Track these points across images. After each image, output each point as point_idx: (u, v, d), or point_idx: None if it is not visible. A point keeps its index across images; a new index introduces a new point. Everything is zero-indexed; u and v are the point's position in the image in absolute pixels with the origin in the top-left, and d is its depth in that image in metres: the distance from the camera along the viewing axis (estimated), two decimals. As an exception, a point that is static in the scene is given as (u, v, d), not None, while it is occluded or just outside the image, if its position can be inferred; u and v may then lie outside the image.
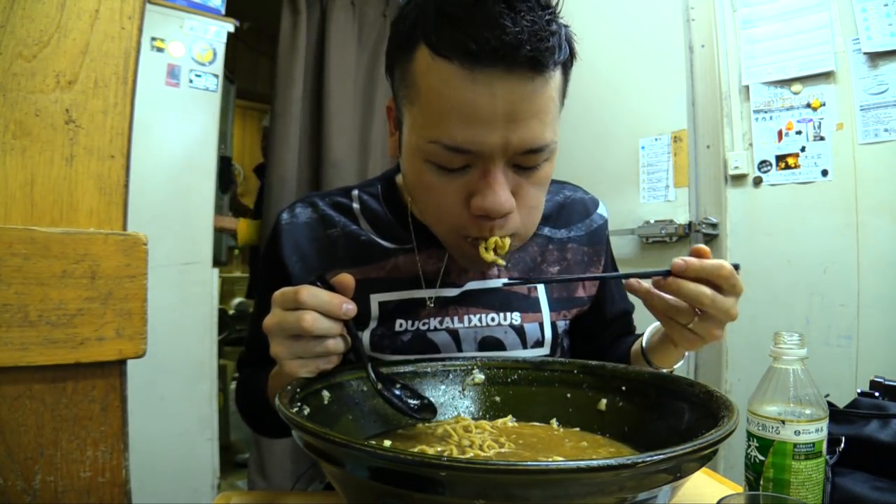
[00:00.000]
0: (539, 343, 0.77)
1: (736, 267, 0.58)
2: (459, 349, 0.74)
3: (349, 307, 0.55)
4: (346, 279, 0.57)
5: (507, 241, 0.64)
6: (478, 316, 0.75)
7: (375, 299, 0.75)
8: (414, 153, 0.62)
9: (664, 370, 0.71)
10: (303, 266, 0.76)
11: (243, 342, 0.88)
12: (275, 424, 0.78)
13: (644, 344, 0.73)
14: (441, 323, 0.75)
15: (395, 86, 0.65)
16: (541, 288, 0.78)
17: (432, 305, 0.74)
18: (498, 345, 0.75)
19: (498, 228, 0.62)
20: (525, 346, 0.76)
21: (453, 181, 0.61)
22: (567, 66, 0.62)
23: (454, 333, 0.75)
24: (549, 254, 0.80)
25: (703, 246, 0.58)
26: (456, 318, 0.75)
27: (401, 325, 0.74)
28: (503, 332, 0.76)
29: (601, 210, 0.86)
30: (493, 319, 0.76)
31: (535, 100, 0.56)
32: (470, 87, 0.55)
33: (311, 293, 0.54)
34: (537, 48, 0.53)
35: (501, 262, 0.65)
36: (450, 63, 0.55)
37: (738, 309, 0.59)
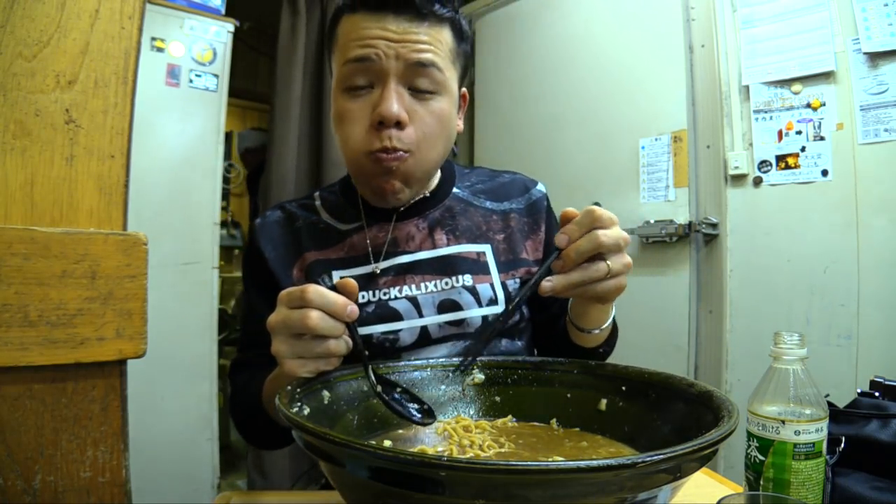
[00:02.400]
0: (493, 301, 0.81)
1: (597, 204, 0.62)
2: (420, 314, 0.79)
3: (353, 309, 0.56)
4: (350, 283, 0.58)
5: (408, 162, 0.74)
6: (433, 282, 0.81)
7: (337, 276, 0.81)
8: (335, 91, 0.76)
9: (595, 331, 0.74)
10: (276, 254, 0.83)
11: (238, 362, 0.88)
12: (269, 433, 0.78)
13: (569, 315, 0.76)
14: (400, 292, 0.80)
15: (330, 59, 0.80)
16: (488, 252, 0.84)
17: (378, 272, 0.81)
18: (455, 306, 0.80)
19: (396, 140, 0.72)
20: (480, 305, 0.81)
21: (360, 102, 0.73)
22: (458, 35, 0.77)
23: (413, 300, 0.80)
24: (494, 223, 0.88)
25: (567, 210, 0.62)
26: (413, 286, 0.80)
27: (363, 297, 0.79)
28: (458, 293, 0.81)
29: (539, 187, 0.94)
30: (447, 284, 0.81)
31: (422, 33, 0.72)
32: (368, 24, 0.71)
33: (317, 292, 0.55)
34: None
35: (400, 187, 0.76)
36: (356, 13, 0.73)
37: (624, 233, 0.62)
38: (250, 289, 0.86)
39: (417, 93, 0.74)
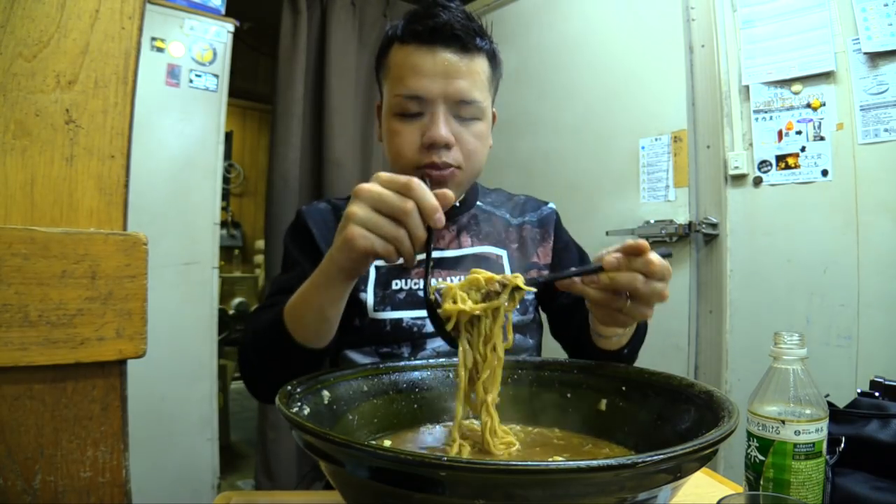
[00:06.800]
0: None
1: (668, 256, 0.62)
2: None
3: (440, 217, 0.57)
4: (449, 195, 0.58)
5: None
6: (457, 277, 0.88)
7: (372, 264, 0.87)
8: (387, 113, 0.85)
9: (614, 338, 0.75)
10: (322, 234, 0.90)
11: (259, 307, 0.87)
12: (279, 366, 0.72)
13: (590, 319, 0.77)
14: None
15: (380, 79, 0.90)
16: (505, 257, 0.93)
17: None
18: None
19: (445, 156, 0.82)
20: None
21: (412, 125, 0.83)
22: (493, 64, 0.87)
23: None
24: (510, 233, 0.98)
25: (639, 242, 0.60)
26: (440, 279, 0.88)
27: (396, 285, 0.88)
28: None
29: (550, 205, 1.05)
30: None
31: (464, 67, 0.82)
32: (420, 56, 0.81)
33: (420, 187, 0.56)
34: (462, 31, 0.81)
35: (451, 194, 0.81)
36: (408, 45, 0.82)
37: (668, 290, 0.62)
38: (292, 248, 0.93)
39: (461, 119, 0.84)
